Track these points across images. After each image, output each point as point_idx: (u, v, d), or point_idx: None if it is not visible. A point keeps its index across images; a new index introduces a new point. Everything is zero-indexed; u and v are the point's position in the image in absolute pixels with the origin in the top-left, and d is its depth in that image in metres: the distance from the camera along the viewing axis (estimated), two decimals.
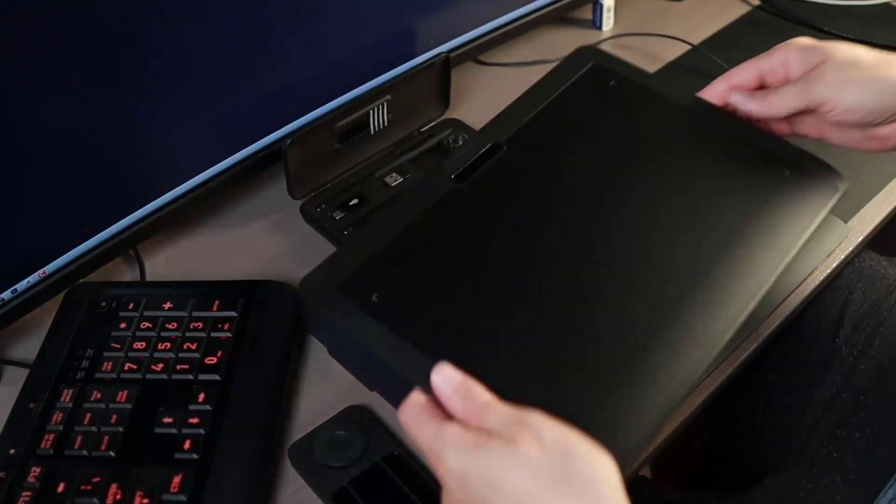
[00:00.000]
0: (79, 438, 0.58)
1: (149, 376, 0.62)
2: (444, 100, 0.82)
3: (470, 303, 0.53)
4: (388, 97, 0.77)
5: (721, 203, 0.59)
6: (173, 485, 0.55)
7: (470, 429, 0.42)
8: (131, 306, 0.66)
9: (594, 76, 0.67)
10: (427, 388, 0.47)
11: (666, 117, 0.65)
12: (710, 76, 0.87)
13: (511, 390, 0.46)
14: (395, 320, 0.51)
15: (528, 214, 0.58)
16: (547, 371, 0.49)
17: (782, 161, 0.61)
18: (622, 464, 0.44)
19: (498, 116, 0.64)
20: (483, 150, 0.61)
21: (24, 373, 0.63)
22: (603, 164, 0.62)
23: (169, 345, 0.63)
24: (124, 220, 0.68)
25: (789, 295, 0.68)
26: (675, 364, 0.50)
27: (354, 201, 0.75)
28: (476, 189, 0.60)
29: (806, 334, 0.72)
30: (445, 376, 0.45)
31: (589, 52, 0.69)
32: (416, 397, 0.45)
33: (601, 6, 0.95)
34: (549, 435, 0.41)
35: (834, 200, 0.59)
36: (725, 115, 0.64)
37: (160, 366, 0.62)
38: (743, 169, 0.61)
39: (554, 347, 0.50)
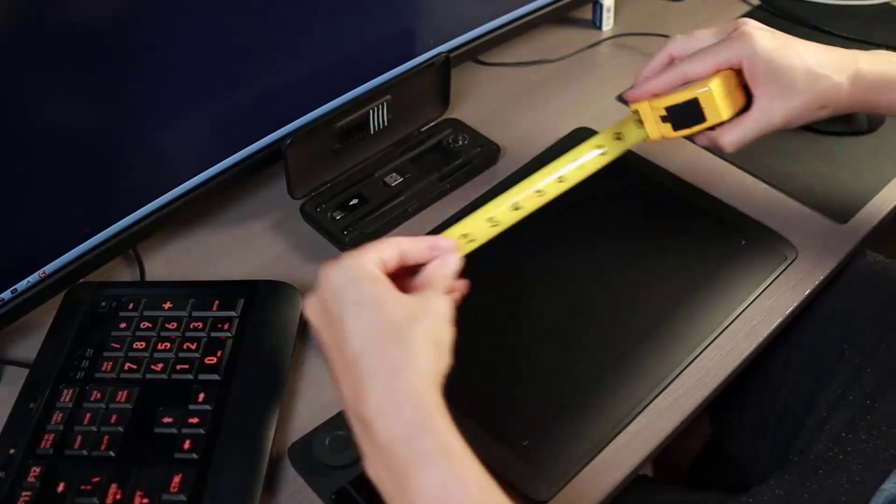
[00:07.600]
0: (79, 438, 0.58)
1: (149, 376, 0.62)
2: (444, 100, 0.82)
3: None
4: (388, 97, 0.77)
5: (683, 266, 0.70)
6: (173, 485, 0.55)
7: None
8: (131, 306, 0.66)
9: None
10: None
11: (644, 191, 0.76)
12: None
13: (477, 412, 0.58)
14: None
15: (516, 271, 0.70)
16: (511, 398, 0.62)
17: (740, 232, 0.72)
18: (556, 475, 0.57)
19: (501, 184, 0.75)
20: None
21: (24, 373, 0.63)
22: (585, 230, 0.73)
23: (169, 345, 0.63)
24: (124, 220, 0.68)
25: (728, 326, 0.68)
26: (620, 398, 0.61)
27: (354, 201, 0.75)
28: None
29: (812, 337, 0.72)
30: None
31: (583, 133, 0.81)
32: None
33: (601, 6, 0.95)
34: None
35: (782, 268, 0.69)
36: (696, 190, 0.75)
37: (160, 366, 0.62)
38: (705, 238, 0.72)
39: (516, 375, 0.63)
